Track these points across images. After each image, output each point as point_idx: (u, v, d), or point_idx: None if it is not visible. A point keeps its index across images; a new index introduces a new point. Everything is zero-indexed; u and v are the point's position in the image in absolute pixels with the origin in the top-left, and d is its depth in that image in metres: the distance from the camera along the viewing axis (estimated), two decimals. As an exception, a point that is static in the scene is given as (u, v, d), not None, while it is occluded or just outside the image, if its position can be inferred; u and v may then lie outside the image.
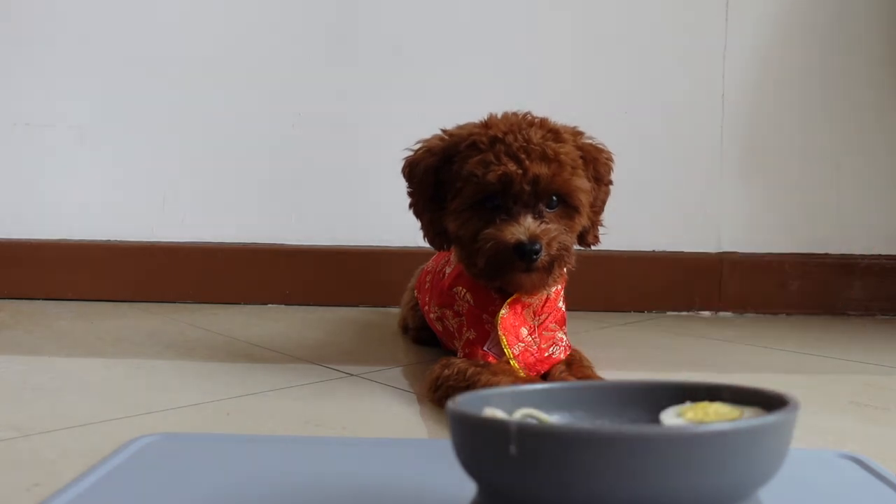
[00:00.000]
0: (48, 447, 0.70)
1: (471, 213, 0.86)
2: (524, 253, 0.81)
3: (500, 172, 0.82)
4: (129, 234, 1.61)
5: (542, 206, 0.85)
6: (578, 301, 1.32)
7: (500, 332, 0.86)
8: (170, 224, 1.61)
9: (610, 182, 0.92)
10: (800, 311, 1.56)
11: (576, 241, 0.88)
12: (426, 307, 1.10)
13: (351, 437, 0.74)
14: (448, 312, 0.96)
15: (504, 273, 0.84)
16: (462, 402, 0.44)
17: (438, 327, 1.02)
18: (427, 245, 0.97)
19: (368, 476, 0.63)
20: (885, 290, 1.55)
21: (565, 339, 0.90)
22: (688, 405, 0.47)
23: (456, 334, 0.94)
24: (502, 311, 0.87)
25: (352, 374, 0.99)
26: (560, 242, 0.83)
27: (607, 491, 0.36)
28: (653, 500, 0.36)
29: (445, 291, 0.97)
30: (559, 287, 0.92)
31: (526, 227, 0.82)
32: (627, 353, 1.17)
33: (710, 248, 1.58)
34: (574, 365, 0.86)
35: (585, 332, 1.32)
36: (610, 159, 0.91)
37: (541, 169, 0.83)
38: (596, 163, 0.89)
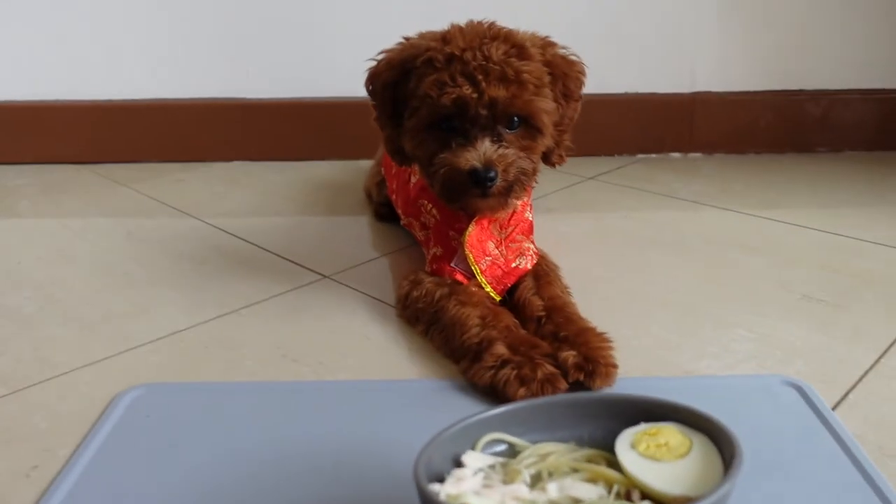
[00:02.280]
0: (36, 409, 0.73)
1: (426, 135, 0.83)
2: (479, 180, 0.79)
3: (454, 96, 0.78)
4: (83, 94, 1.53)
5: (501, 129, 0.81)
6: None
7: (466, 251, 0.86)
8: (126, 82, 1.52)
9: (579, 98, 0.87)
10: (769, 150, 1.57)
11: (538, 162, 0.86)
12: (394, 196, 1.10)
13: (330, 380, 0.77)
14: (415, 223, 0.96)
15: (460, 198, 0.83)
16: (426, 455, 0.46)
17: (405, 223, 1.03)
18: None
19: (354, 422, 0.68)
20: (854, 126, 1.55)
21: (532, 247, 0.91)
22: (643, 428, 0.50)
23: (423, 247, 0.94)
24: (469, 229, 0.87)
25: (324, 276, 1.01)
26: (518, 167, 0.81)
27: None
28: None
29: (412, 201, 0.96)
30: (525, 199, 0.91)
31: (482, 152, 0.79)
32: (592, 226, 1.18)
33: (684, 88, 1.54)
34: (541, 281, 0.87)
35: (555, 192, 1.33)
36: (582, 73, 0.87)
37: (498, 91, 0.78)
38: (566, 78, 0.85)
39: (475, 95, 0.78)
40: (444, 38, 0.82)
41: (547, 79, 0.82)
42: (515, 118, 0.81)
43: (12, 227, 1.22)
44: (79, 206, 1.30)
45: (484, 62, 0.78)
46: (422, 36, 0.85)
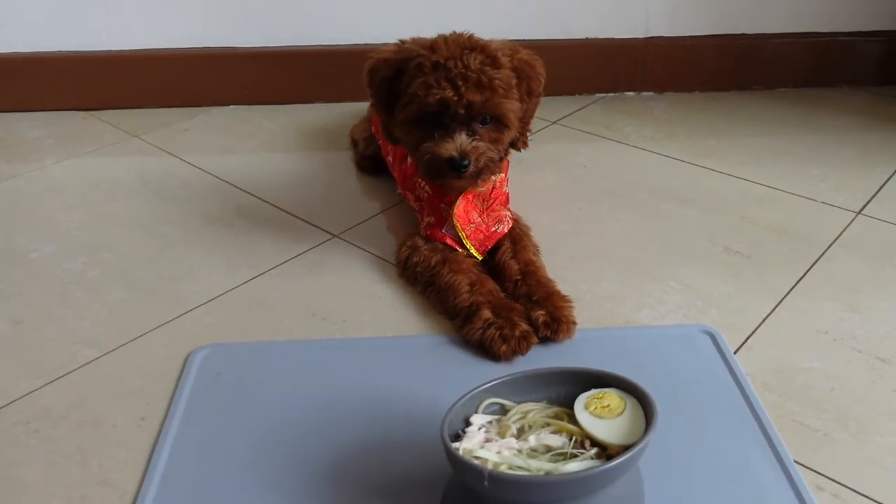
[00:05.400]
0: (129, 369, 0.93)
1: (413, 126, 1.02)
2: (455, 166, 0.99)
3: (438, 97, 0.97)
4: (86, 45, 1.63)
5: (475, 124, 1.00)
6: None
7: (455, 221, 1.07)
8: (125, 34, 1.63)
9: (540, 94, 1.06)
10: (713, 89, 1.75)
11: (507, 149, 1.07)
12: (388, 157, 1.28)
13: (354, 338, 0.98)
14: (410, 195, 1.16)
15: (440, 178, 1.03)
16: (448, 419, 0.68)
17: (401, 193, 1.22)
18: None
19: (378, 374, 0.91)
20: (787, 66, 1.74)
21: (509, 214, 1.11)
22: (593, 393, 0.73)
23: (418, 215, 1.14)
24: (458, 203, 1.06)
25: (334, 235, 1.20)
26: (487, 157, 1.01)
27: (536, 502, 0.64)
28: (566, 500, 0.64)
29: (409, 177, 1.15)
30: (504, 175, 1.11)
31: (458, 143, 0.99)
32: (556, 178, 1.38)
33: (638, 33, 1.70)
34: (517, 245, 1.07)
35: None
36: (541, 73, 1.05)
37: (475, 96, 0.97)
38: (529, 80, 1.03)
39: (456, 98, 0.97)
40: (432, 46, 1.00)
41: (514, 82, 1.01)
42: (488, 117, 1.00)
43: (47, 188, 1.37)
44: (101, 164, 1.45)
45: (464, 70, 0.97)
46: (413, 41, 1.02)
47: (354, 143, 1.45)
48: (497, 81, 0.98)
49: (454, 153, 0.99)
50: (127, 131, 1.58)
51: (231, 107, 1.70)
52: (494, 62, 0.99)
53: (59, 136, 1.56)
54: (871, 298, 1.04)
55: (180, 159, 1.46)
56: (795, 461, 0.79)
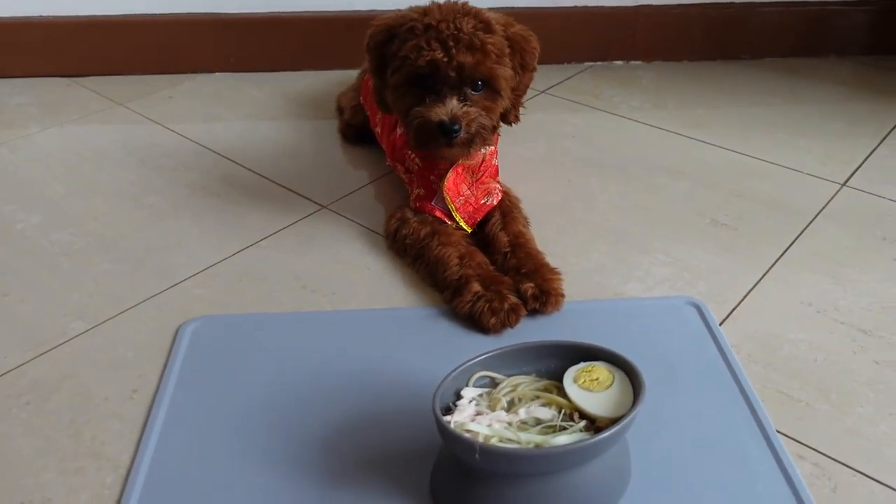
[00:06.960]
0: (119, 341, 0.93)
1: (405, 90, 1.01)
2: (445, 131, 0.97)
3: (428, 58, 0.96)
4: (68, 10, 1.60)
5: (467, 89, 0.99)
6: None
7: (444, 193, 1.07)
8: None
9: (534, 69, 1.05)
10: (701, 58, 1.75)
11: (498, 119, 1.04)
12: (377, 128, 1.27)
13: (344, 310, 0.99)
14: (400, 166, 1.15)
15: (429, 145, 1.01)
16: (439, 393, 0.69)
17: (390, 164, 1.22)
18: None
19: (368, 345, 0.91)
20: (775, 36, 1.73)
21: (498, 186, 1.11)
22: (582, 366, 0.74)
23: (407, 187, 1.14)
24: (448, 175, 1.06)
25: (322, 206, 1.20)
26: (479, 123, 0.99)
27: (526, 474, 0.65)
28: (555, 471, 0.66)
29: (398, 149, 1.14)
30: (494, 148, 1.10)
31: (449, 108, 0.97)
32: (546, 149, 1.38)
33: (628, 1, 1.68)
34: (507, 217, 1.07)
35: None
36: (536, 47, 1.03)
37: (466, 58, 0.96)
38: (523, 52, 1.02)
39: (446, 59, 0.96)
40: (425, 11, 0.99)
41: (507, 51, 1.00)
42: (479, 82, 0.99)
43: (31, 157, 1.35)
44: (86, 132, 1.43)
45: (456, 32, 0.95)
46: (410, 9, 1.01)
47: (340, 110, 1.44)
48: (489, 46, 0.97)
49: (444, 117, 0.97)
50: (111, 98, 1.56)
51: (217, 74, 1.68)
52: (487, 27, 0.98)
53: (42, 103, 1.54)
54: (853, 271, 1.05)
55: (166, 127, 1.45)
56: (778, 431, 0.80)
